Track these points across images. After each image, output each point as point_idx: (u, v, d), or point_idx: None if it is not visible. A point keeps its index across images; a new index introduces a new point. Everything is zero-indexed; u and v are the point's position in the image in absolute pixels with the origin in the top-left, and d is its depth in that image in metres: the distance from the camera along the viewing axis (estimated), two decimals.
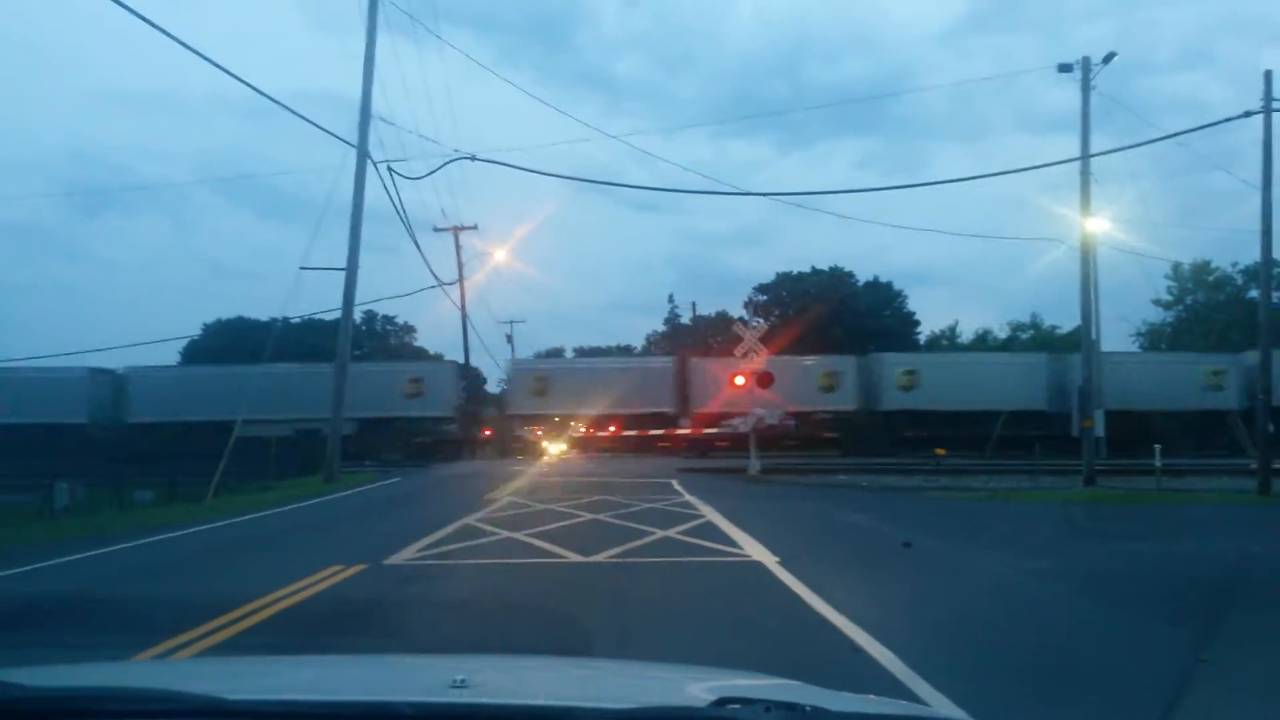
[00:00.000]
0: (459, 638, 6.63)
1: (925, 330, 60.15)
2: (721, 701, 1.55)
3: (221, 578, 9.74)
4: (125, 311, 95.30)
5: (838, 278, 64.86)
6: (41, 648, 6.29)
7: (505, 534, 12.34)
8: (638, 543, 11.29)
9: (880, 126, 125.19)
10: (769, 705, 1.48)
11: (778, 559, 9.68)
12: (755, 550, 10.43)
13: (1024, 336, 48.91)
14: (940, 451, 30.30)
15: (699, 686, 1.70)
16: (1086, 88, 22.92)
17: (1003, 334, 50.04)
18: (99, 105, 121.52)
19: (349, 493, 22.53)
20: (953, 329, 51.77)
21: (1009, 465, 28.02)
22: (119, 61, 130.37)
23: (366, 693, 1.66)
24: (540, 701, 1.64)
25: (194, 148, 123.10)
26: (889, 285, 65.05)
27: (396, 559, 10.16)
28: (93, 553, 11.42)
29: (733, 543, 11.21)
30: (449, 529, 12.90)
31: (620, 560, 10.02)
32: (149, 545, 12.32)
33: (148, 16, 15.09)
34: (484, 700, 1.58)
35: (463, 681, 1.66)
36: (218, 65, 18.93)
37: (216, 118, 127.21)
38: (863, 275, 65.80)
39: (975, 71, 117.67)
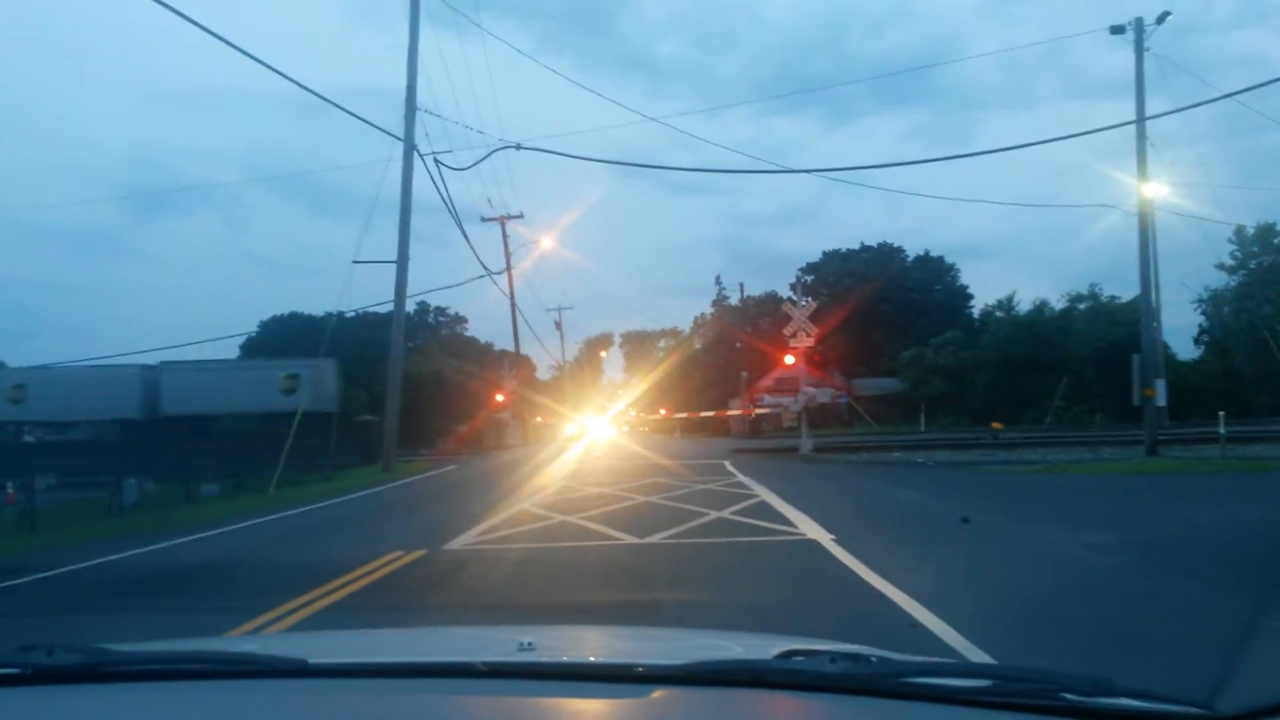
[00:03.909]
0: (518, 618, 6.74)
1: (979, 303, 59.17)
2: (786, 654, 1.55)
3: (287, 566, 9.99)
4: (184, 310, 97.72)
5: (886, 254, 64.08)
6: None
7: (559, 517, 12.46)
8: (692, 524, 11.32)
9: (926, 98, 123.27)
10: (834, 656, 1.49)
11: (833, 537, 9.64)
12: (810, 529, 10.41)
13: (1082, 307, 47.73)
14: (997, 425, 29.88)
15: (762, 644, 1.71)
16: (1140, 49, 22.28)
17: (1060, 305, 48.91)
18: (152, 108, 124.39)
19: (405, 481, 22.92)
20: (1008, 300, 50.68)
21: (1069, 437, 27.51)
22: (170, 64, 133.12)
23: (439, 655, 1.71)
24: (605, 659, 1.67)
25: (245, 146, 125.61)
26: (939, 259, 64.12)
27: (455, 544, 10.33)
28: (162, 545, 11.80)
29: (787, 522, 11.19)
30: (504, 514, 13.07)
31: (675, 541, 10.07)
32: (216, 537, 12.69)
33: (196, 18, 15.38)
34: (553, 659, 1.62)
35: (530, 644, 1.69)
36: (266, 64, 19.28)
37: (266, 116, 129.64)
38: (912, 250, 64.93)
39: (1023, 38, 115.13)
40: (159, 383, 32.83)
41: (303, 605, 7.05)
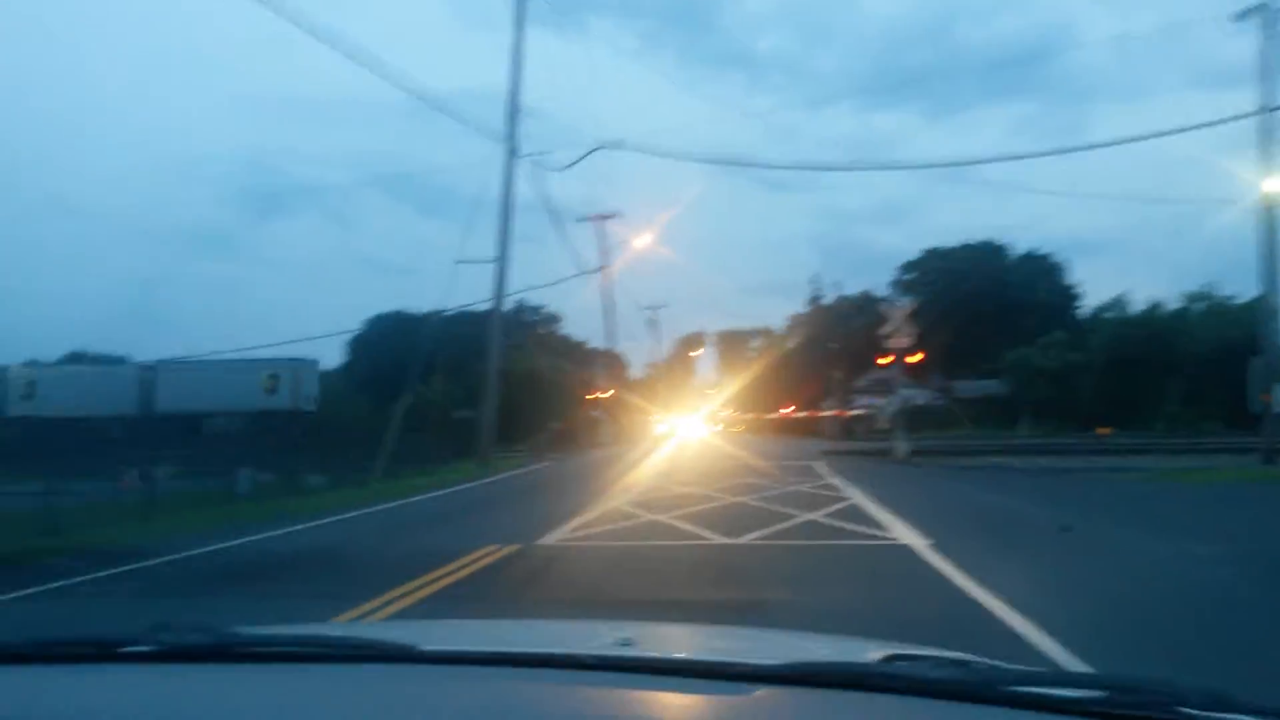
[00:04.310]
0: (611, 614, 6.83)
1: (1087, 303, 56.95)
2: (890, 658, 1.53)
3: (388, 557, 10.35)
4: (296, 308, 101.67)
5: (989, 251, 62.20)
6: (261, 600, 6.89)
7: (649, 516, 12.55)
8: (782, 525, 11.27)
9: (1035, 89, 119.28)
10: (939, 661, 1.46)
11: (928, 542, 9.46)
12: (904, 534, 10.23)
13: (1197, 307, 45.48)
14: (1104, 430, 28.76)
15: (858, 648, 1.71)
16: (1266, 35, 21.13)
17: (1174, 305, 46.70)
18: (266, 112, 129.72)
19: (500, 477, 23.39)
20: (1119, 299, 48.62)
21: (1180, 444, 26.29)
22: (284, 70, 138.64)
23: (541, 647, 1.75)
24: (706, 656, 1.67)
25: (355, 149, 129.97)
26: (1045, 257, 61.89)
27: (548, 539, 10.52)
28: (272, 533, 12.36)
29: (881, 526, 11.03)
30: (595, 512, 13.22)
31: (766, 543, 10.04)
32: (322, 527, 13.22)
33: (312, 26, 16.00)
34: (656, 654, 1.65)
35: (629, 640, 1.72)
36: (373, 69, 19.91)
37: (376, 119, 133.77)
38: (1017, 248, 62.86)
39: (1138, 25, 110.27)
40: (155, 381, 34.14)
41: (403, 595, 7.30)
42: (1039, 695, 1.32)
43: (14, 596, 8.13)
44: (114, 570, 9.46)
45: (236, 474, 18.72)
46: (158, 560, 10.13)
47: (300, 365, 34.51)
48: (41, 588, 8.49)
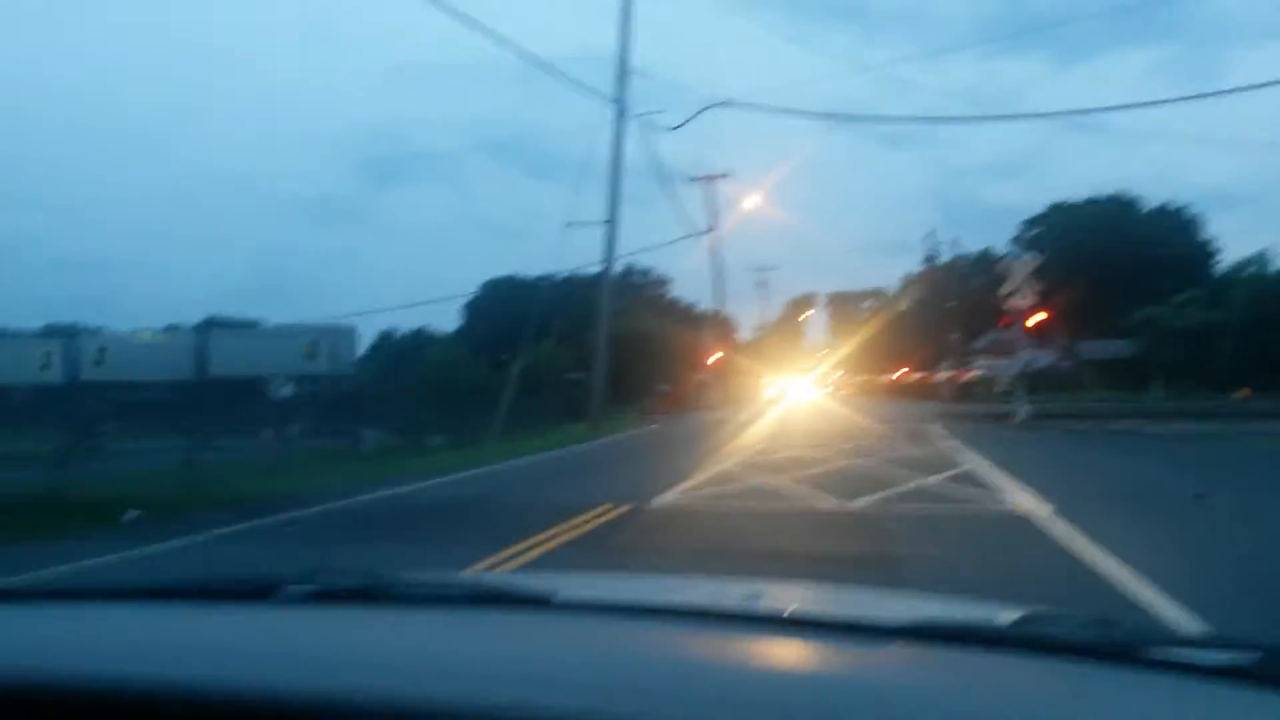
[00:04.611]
0: (728, 573, 6.91)
1: (1227, 259, 53.51)
2: (1027, 617, 1.49)
3: (505, 514, 10.71)
4: (414, 272, 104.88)
5: (1119, 205, 59.02)
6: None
7: (761, 478, 12.56)
8: (898, 489, 11.11)
9: (1172, 32, 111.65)
10: (1081, 621, 1.41)
11: (1051, 508, 9.17)
12: (1025, 499, 9.95)
13: None
14: (1244, 392, 27.11)
15: (989, 609, 1.68)
16: None
17: None
18: (384, 82, 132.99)
19: (611, 439, 23.75)
20: (1261, 255, 45.50)
21: None
22: (398, 39, 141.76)
23: (672, 599, 1.77)
24: (838, 611, 1.66)
25: (468, 116, 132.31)
26: (1179, 211, 58.37)
27: (660, 501, 10.67)
28: (399, 489, 12.93)
29: (1000, 491, 10.75)
30: (706, 474, 13.31)
31: (880, 507, 9.93)
32: (444, 484, 13.76)
33: None
34: (792, 609, 1.65)
35: (756, 594, 1.73)
36: (482, 28, 20.17)
37: (488, 85, 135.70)
38: (1149, 201, 59.48)
39: None
40: (208, 347, 35.79)
41: (528, 548, 7.60)
42: (1188, 658, 1.25)
43: (180, 544, 8.77)
44: (266, 520, 10.24)
45: (360, 434, 19.57)
46: (303, 511, 10.83)
47: (337, 332, 36.43)
48: (204, 535, 9.19)
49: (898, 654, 1.32)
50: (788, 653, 1.36)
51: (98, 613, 1.67)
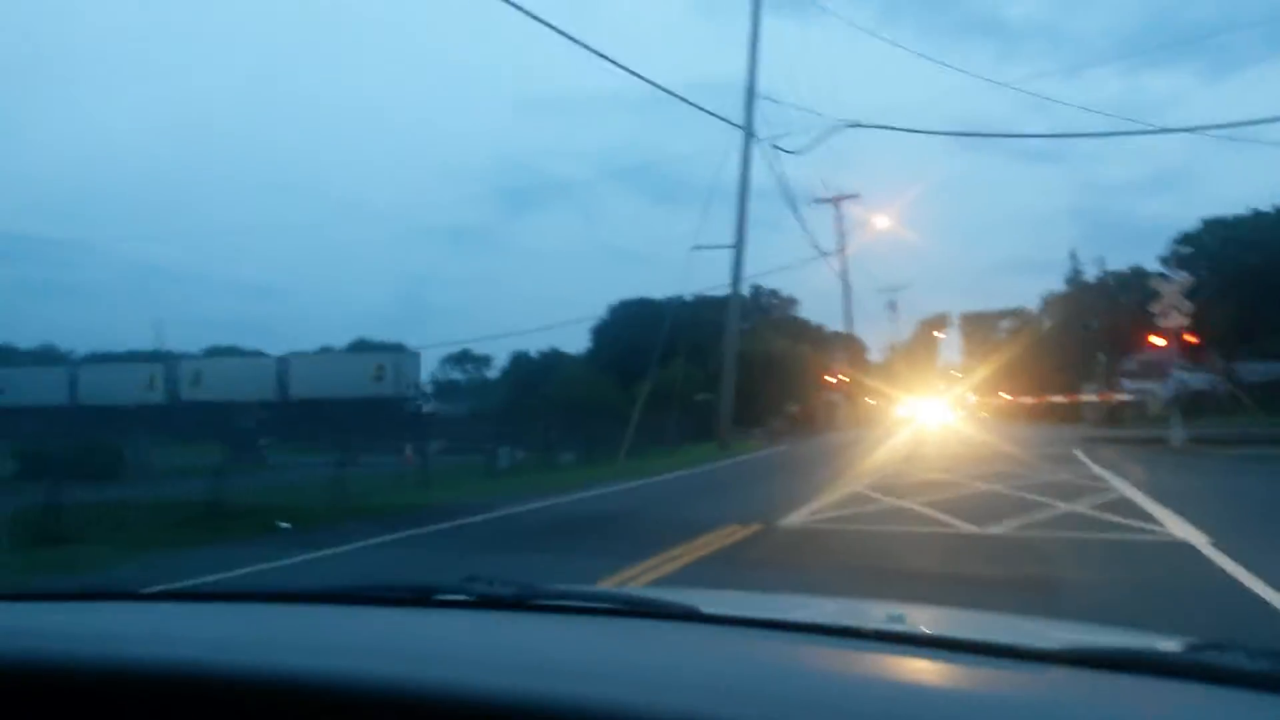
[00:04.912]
0: (863, 595, 6.83)
1: None
2: (1194, 646, 1.42)
3: (638, 531, 10.86)
4: (545, 296, 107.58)
5: None
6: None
7: (893, 501, 12.30)
8: (1039, 516, 10.69)
9: None
10: (1251, 651, 1.31)
11: (1209, 539, 8.65)
12: (1181, 528, 9.41)
13: None
14: None
15: (1154, 637, 1.61)
16: None
17: None
18: (517, 113, 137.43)
19: (739, 459, 23.68)
20: None
21: None
22: (530, 71, 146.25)
23: (817, 617, 1.79)
24: (988, 636, 1.57)
25: (598, 145, 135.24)
26: None
27: (789, 521, 10.60)
28: (535, 505, 13.30)
29: (1154, 519, 10.19)
30: (836, 495, 13.13)
31: (1020, 533, 9.57)
32: (578, 501, 14.08)
33: (553, 23, 16.85)
34: (940, 631, 1.65)
35: (899, 616, 1.72)
36: (615, 62, 20.68)
37: (616, 115, 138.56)
38: None
39: None
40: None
41: (662, 563, 7.72)
42: None
43: (331, 552, 9.30)
44: (412, 531, 10.82)
45: (497, 451, 20.18)
46: (445, 524, 11.35)
47: (402, 357, 38.23)
48: (354, 544, 9.72)
49: (1056, 678, 1.25)
50: (938, 673, 1.31)
51: (266, 612, 1.79)
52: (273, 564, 8.63)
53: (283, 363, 39.59)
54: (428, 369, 77.72)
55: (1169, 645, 1.44)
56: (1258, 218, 55.91)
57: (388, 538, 10.23)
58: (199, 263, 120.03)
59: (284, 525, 10.98)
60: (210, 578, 7.50)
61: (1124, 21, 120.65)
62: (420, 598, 1.76)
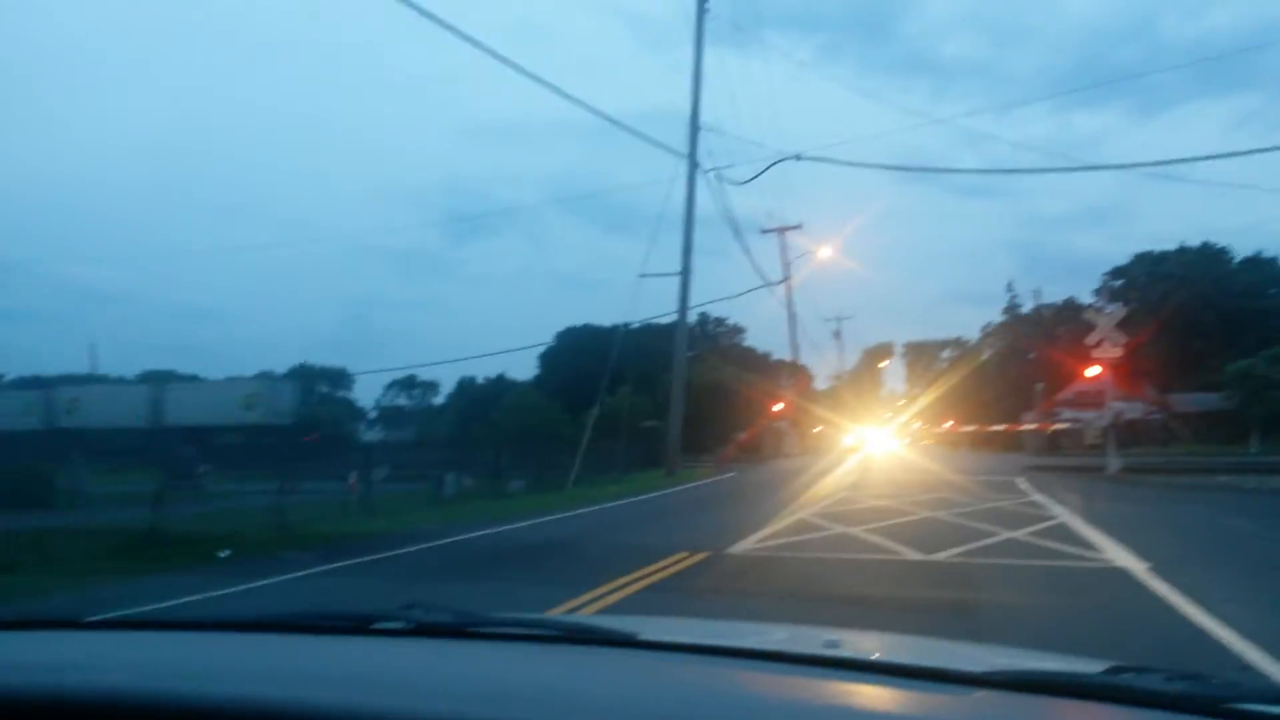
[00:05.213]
0: (806, 622, 6.85)
1: None
2: (1115, 669, 1.47)
3: (585, 559, 10.79)
4: (491, 323, 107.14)
5: (1208, 255, 57.18)
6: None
7: (839, 528, 12.39)
8: (982, 543, 10.84)
9: (1255, 81, 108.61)
10: (1169, 674, 1.37)
11: (1148, 565, 8.85)
12: (1120, 555, 9.61)
13: None
14: None
15: (1077, 662, 1.68)
16: None
17: None
18: (462, 139, 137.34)
19: (686, 486, 23.67)
20: None
21: None
22: (476, 98, 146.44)
23: (752, 643, 1.81)
24: (916, 661, 1.63)
25: (545, 172, 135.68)
26: (1273, 261, 56.25)
27: (737, 549, 10.61)
28: (482, 532, 13.13)
29: (1093, 547, 10.40)
30: (783, 523, 13.18)
31: (964, 560, 9.70)
32: (525, 529, 13.91)
33: (500, 53, 16.94)
34: (870, 656, 1.67)
35: (834, 642, 1.73)
36: (560, 91, 20.84)
37: (563, 142, 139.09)
38: (1241, 251, 57.53)
39: None
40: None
41: (603, 594, 7.62)
42: (1276, 713, 1.23)
43: (274, 581, 9.06)
44: (355, 560, 10.56)
45: (443, 478, 19.92)
46: (389, 552, 11.15)
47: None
48: (296, 573, 9.49)
49: (982, 702, 1.29)
50: (869, 697, 1.34)
51: (205, 640, 1.78)
52: (212, 593, 8.40)
53: (158, 389, 39.40)
54: (372, 394, 77.08)
55: (1091, 669, 1.48)
56: (1184, 253, 57.98)
57: (330, 567, 10.02)
58: (137, 285, 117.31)
59: (224, 554, 10.70)
60: (149, 607, 7.29)
61: (1055, 61, 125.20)
62: (359, 626, 1.76)
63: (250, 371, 60.19)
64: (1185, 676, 1.38)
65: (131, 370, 54.62)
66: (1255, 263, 56.33)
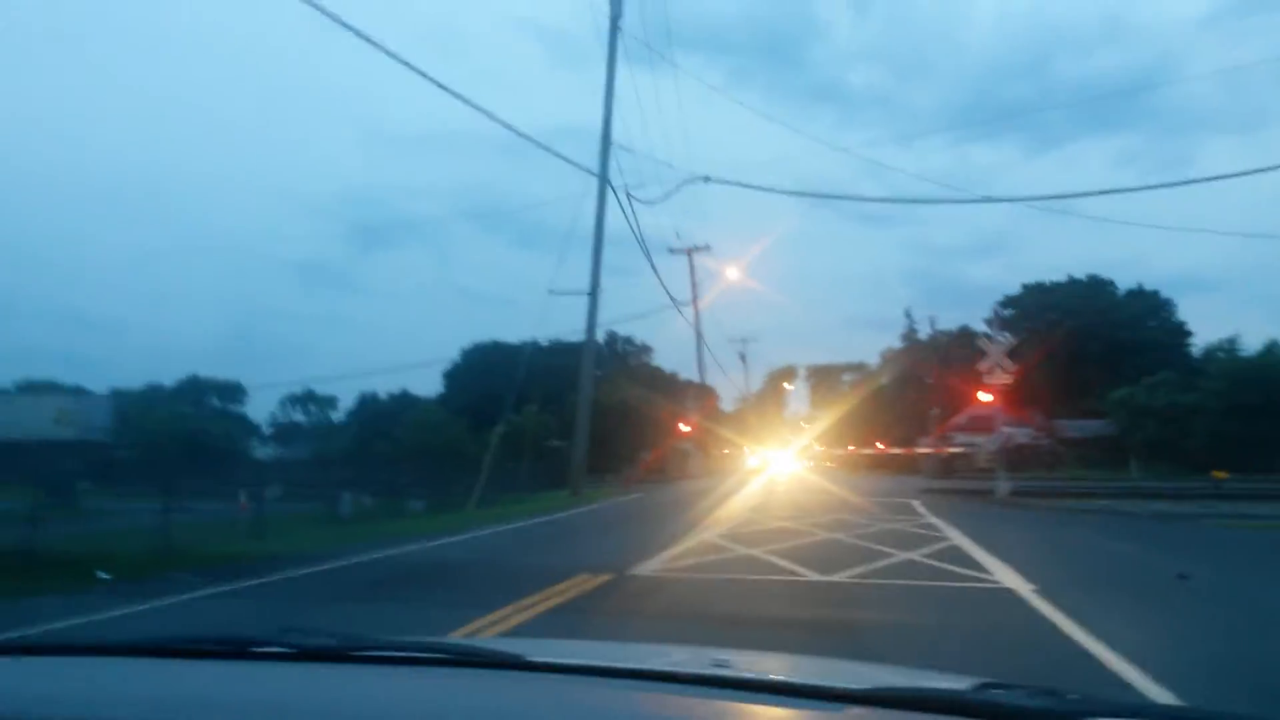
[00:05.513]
0: (704, 643, 6.85)
1: (1199, 342, 54.50)
2: (983, 686, 1.54)
3: (484, 582, 10.57)
4: (395, 337, 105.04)
5: (1094, 287, 60.29)
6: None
7: (742, 550, 12.50)
8: (878, 564, 11.09)
9: (1140, 122, 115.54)
10: (1031, 690, 1.46)
11: (1034, 587, 9.18)
12: (1007, 577, 9.95)
13: None
14: (1220, 475, 27.37)
15: (955, 680, 1.75)
16: None
17: None
18: (369, 148, 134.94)
19: (592, 507, 23.57)
20: (1233, 340, 46.35)
21: None
22: (388, 108, 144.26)
23: (642, 663, 1.80)
24: (799, 679, 1.69)
25: (454, 184, 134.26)
26: (1154, 294, 59.66)
27: (640, 570, 10.58)
28: (378, 555, 12.77)
29: (983, 568, 10.74)
30: (687, 544, 13.23)
31: (861, 581, 9.90)
32: (424, 550, 13.59)
33: (414, 65, 16.71)
34: (752, 674, 1.69)
35: (723, 661, 1.77)
36: (469, 102, 20.64)
37: (473, 155, 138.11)
38: (1124, 284, 60.82)
39: (1248, 55, 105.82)
40: None
41: (503, 618, 7.48)
42: None
43: (157, 605, 8.61)
44: (242, 583, 10.09)
45: (340, 497, 19.37)
46: (278, 575, 10.68)
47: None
48: (180, 596, 9.02)
49: (856, 718, 1.36)
50: (749, 715, 1.39)
51: (79, 666, 1.71)
52: (91, 617, 7.94)
53: None
54: (267, 408, 74.52)
55: (961, 685, 1.56)
56: (1071, 284, 60.97)
57: (217, 590, 9.58)
58: (12, 287, 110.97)
59: (104, 576, 10.13)
60: (18, 632, 6.84)
61: (952, 96, 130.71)
62: (237, 650, 1.73)
63: (137, 384, 57.66)
64: (1048, 693, 1.47)
65: (8, 379, 51.51)
66: (1138, 295, 59.59)
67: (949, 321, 66.31)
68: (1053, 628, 7.37)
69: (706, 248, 42.87)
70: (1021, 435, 39.47)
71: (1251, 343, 46.04)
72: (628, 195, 28.63)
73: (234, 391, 62.19)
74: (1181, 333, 57.55)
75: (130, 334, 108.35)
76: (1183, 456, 41.61)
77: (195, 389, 61.23)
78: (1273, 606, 8.91)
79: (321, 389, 73.95)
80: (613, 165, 27.95)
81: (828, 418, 67.62)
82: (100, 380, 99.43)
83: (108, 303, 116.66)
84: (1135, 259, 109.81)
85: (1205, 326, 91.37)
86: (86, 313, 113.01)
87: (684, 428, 50.25)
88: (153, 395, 55.33)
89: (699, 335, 46.27)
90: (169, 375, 64.67)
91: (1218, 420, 41.37)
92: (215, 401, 62.10)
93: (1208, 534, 16.70)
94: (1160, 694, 5.33)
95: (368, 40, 14.22)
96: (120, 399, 41.83)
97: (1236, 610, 8.70)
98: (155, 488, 17.16)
